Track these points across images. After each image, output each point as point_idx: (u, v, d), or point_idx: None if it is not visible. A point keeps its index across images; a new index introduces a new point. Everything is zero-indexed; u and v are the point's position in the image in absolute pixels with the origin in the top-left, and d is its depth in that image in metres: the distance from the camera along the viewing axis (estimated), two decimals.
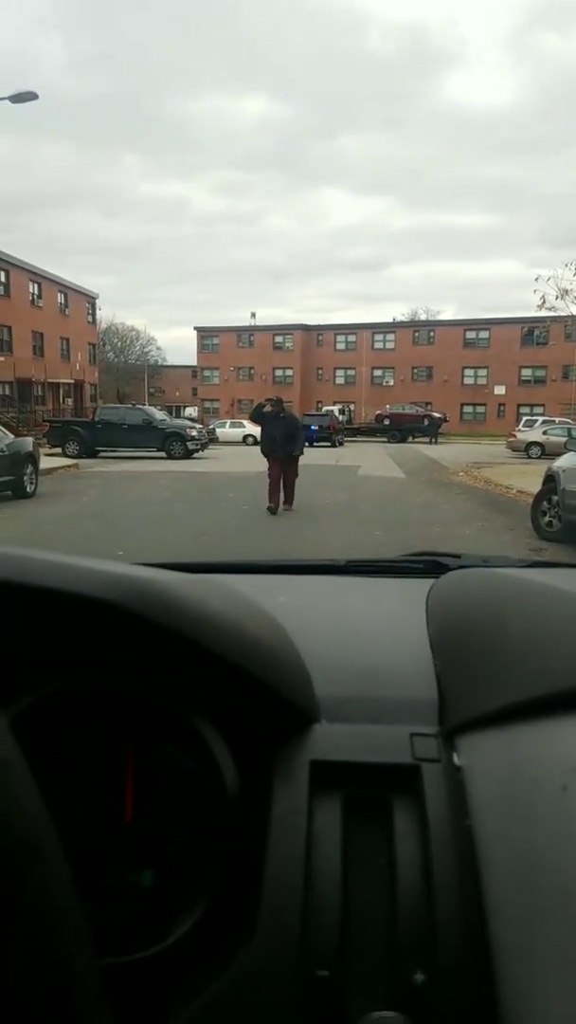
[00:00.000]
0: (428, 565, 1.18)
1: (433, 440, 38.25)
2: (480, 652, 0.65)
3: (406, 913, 0.51)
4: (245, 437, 37.23)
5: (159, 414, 25.06)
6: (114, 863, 0.57)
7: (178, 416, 40.45)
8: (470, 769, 0.57)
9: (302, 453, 10.43)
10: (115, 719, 0.59)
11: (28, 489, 11.97)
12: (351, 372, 58.78)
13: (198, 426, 25.97)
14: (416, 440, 39.02)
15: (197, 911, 0.54)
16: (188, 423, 26.69)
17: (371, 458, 24.12)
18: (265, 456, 10.22)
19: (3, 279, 36.07)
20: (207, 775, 0.57)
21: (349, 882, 0.53)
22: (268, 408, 10.19)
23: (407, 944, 0.50)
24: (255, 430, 39.30)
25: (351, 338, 59.26)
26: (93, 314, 49.70)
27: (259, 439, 10.68)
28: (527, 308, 27.50)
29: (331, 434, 34.64)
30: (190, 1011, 0.49)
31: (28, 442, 12.56)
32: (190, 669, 0.57)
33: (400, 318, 65.73)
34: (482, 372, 55.18)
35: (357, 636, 0.84)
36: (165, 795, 0.58)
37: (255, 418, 10.52)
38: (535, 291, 21.93)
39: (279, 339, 59.39)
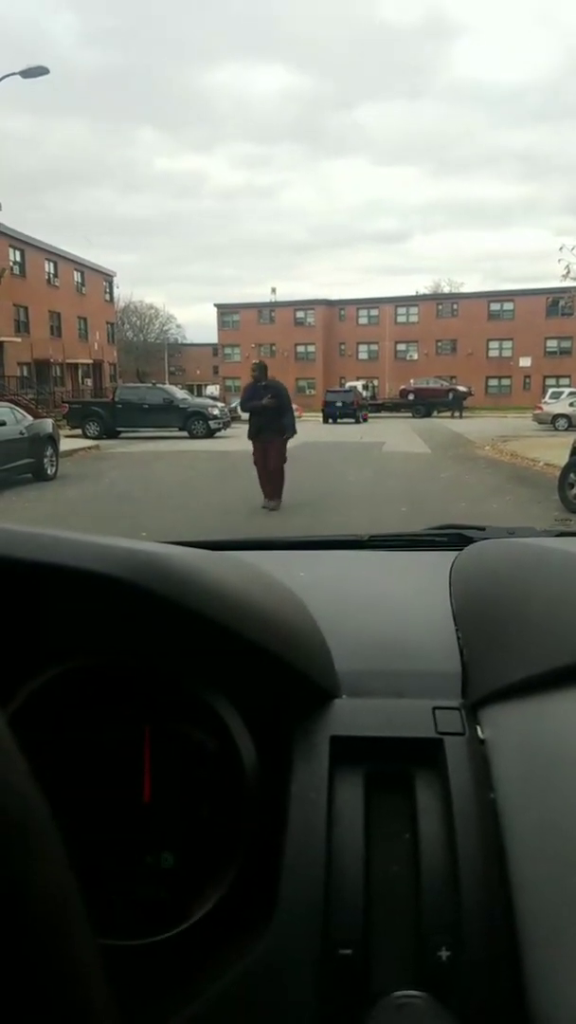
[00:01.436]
0: (452, 538, 1.15)
1: (457, 414, 37.78)
2: (503, 623, 0.65)
3: (430, 889, 0.51)
4: None
5: (180, 393, 25.00)
6: (134, 845, 0.57)
7: (199, 395, 40.29)
8: (494, 742, 0.57)
9: (294, 432, 8.52)
10: (131, 698, 0.59)
11: (49, 472, 11.96)
12: (374, 347, 58.10)
13: (220, 404, 25.88)
14: (441, 415, 38.54)
15: (218, 891, 0.53)
16: (210, 401, 26.62)
17: (396, 434, 23.84)
18: (251, 439, 8.46)
19: (18, 259, 35.87)
20: (225, 754, 0.56)
21: (372, 858, 0.53)
22: (255, 376, 8.46)
23: (431, 921, 0.50)
24: None
25: (373, 312, 58.48)
26: (111, 292, 49.52)
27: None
28: (552, 279, 26.84)
29: (355, 410, 34.36)
30: (214, 990, 0.49)
31: (48, 424, 12.53)
32: (205, 645, 0.56)
33: (423, 291, 64.85)
34: (507, 344, 54.25)
35: (379, 610, 0.82)
36: (184, 775, 0.58)
37: (244, 407, 8.70)
38: (559, 260, 21.35)
39: (300, 315, 58.79)
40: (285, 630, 0.60)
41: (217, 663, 0.58)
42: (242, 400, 8.69)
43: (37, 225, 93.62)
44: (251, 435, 8.47)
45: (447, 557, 0.91)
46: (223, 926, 0.53)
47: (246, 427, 8.65)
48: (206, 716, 0.57)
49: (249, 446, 8.55)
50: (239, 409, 8.60)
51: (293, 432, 8.52)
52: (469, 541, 1.06)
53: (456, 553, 0.91)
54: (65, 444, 14.27)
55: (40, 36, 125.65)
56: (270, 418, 8.26)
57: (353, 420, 33.76)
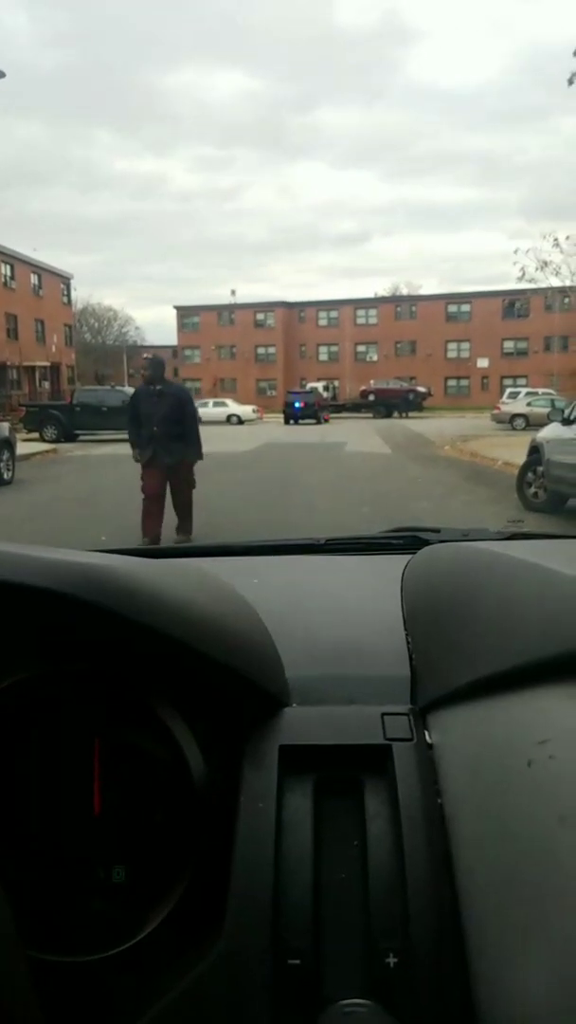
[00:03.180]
0: (408, 541, 1.17)
1: (404, 415, 38.19)
2: (452, 627, 0.65)
3: (379, 895, 0.51)
4: (229, 417, 36.99)
5: None
6: (84, 858, 0.56)
7: None
8: (441, 747, 0.57)
9: (199, 457, 6.35)
10: (79, 710, 0.58)
11: (5, 476, 11.75)
12: (334, 348, 58.43)
13: None
14: (410, 416, 38.89)
15: (169, 904, 0.53)
16: None
17: (357, 434, 23.97)
18: (144, 465, 6.21)
19: None
20: (175, 764, 0.56)
21: (321, 866, 0.53)
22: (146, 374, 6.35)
23: (380, 926, 0.50)
24: (239, 410, 39.36)
25: (333, 314, 58.82)
26: (68, 295, 48.93)
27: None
28: (509, 280, 27.38)
29: (316, 411, 34.49)
30: (164, 1003, 0.49)
31: (3, 427, 12.31)
32: (150, 655, 0.56)
33: (382, 293, 65.38)
34: (465, 345, 55.04)
35: (331, 616, 0.82)
36: (134, 787, 0.57)
37: (131, 423, 6.30)
38: (515, 263, 21.77)
39: (260, 316, 58.83)
40: (232, 638, 0.59)
41: (163, 673, 0.57)
42: (130, 414, 6.30)
43: None
44: (143, 460, 6.15)
45: (401, 561, 0.91)
46: (175, 938, 0.53)
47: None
48: (155, 726, 0.57)
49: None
50: (128, 426, 6.32)
51: (198, 457, 6.32)
52: (424, 543, 1.07)
53: (411, 556, 0.91)
54: (22, 448, 14.01)
55: None
56: (168, 434, 6.06)
57: (314, 421, 33.88)
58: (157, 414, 6.05)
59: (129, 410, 6.35)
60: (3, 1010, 0.24)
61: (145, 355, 6.68)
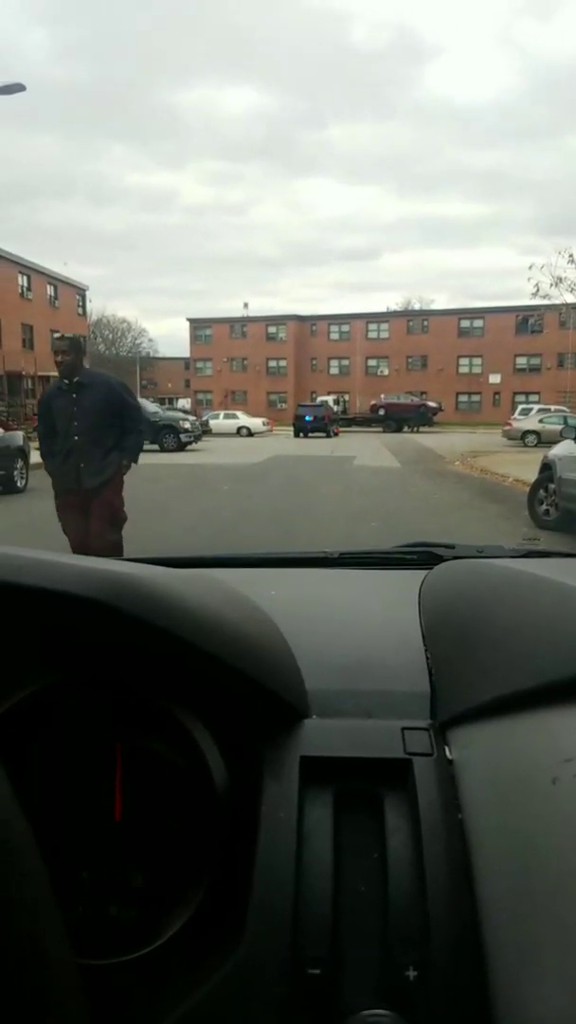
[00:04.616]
0: (422, 556, 1.16)
1: (414, 429, 38.17)
2: (472, 644, 0.66)
3: (398, 909, 0.51)
4: (239, 429, 37.11)
5: (152, 406, 24.88)
6: (105, 863, 0.57)
7: (171, 408, 40.19)
8: (462, 762, 0.57)
9: (133, 460, 4.63)
10: (102, 716, 0.59)
11: (19, 484, 11.82)
12: (345, 362, 58.57)
13: (191, 418, 25.85)
14: (420, 431, 38.90)
15: (188, 910, 0.54)
16: (181, 415, 26.54)
17: (366, 448, 23.98)
18: (59, 491, 4.64)
19: None
20: (196, 773, 0.56)
21: (341, 878, 0.53)
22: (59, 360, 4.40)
23: (399, 940, 0.50)
24: (249, 422, 39.52)
25: (344, 328, 59.00)
26: (83, 306, 49.33)
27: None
28: (520, 296, 27.39)
29: (326, 424, 34.55)
30: (181, 1011, 0.49)
31: (18, 436, 12.41)
32: (176, 664, 0.56)
33: (394, 307, 65.56)
34: (477, 361, 55.04)
35: (349, 630, 0.82)
36: (155, 794, 0.58)
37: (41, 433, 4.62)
38: (529, 279, 21.80)
39: (272, 329, 59.09)
40: (256, 649, 0.60)
41: (188, 682, 0.58)
42: (40, 423, 4.63)
43: (7, 237, 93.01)
44: (59, 485, 4.60)
45: (417, 576, 0.91)
46: (193, 945, 0.53)
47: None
48: (177, 735, 0.57)
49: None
50: (40, 441, 4.65)
51: (132, 459, 4.63)
52: (438, 559, 1.07)
53: (425, 572, 0.92)
54: (36, 457, 14.09)
55: (11, 53, 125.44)
56: (94, 444, 4.41)
57: (324, 434, 33.92)
58: (78, 417, 4.37)
59: (39, 417, 4.66)
60: (58, 1015, 0.25)
61: (56, 335, 4.75)
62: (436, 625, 0.75)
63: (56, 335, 4.74)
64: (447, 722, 0.61)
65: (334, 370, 59.16)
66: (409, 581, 0.91)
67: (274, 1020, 0.48)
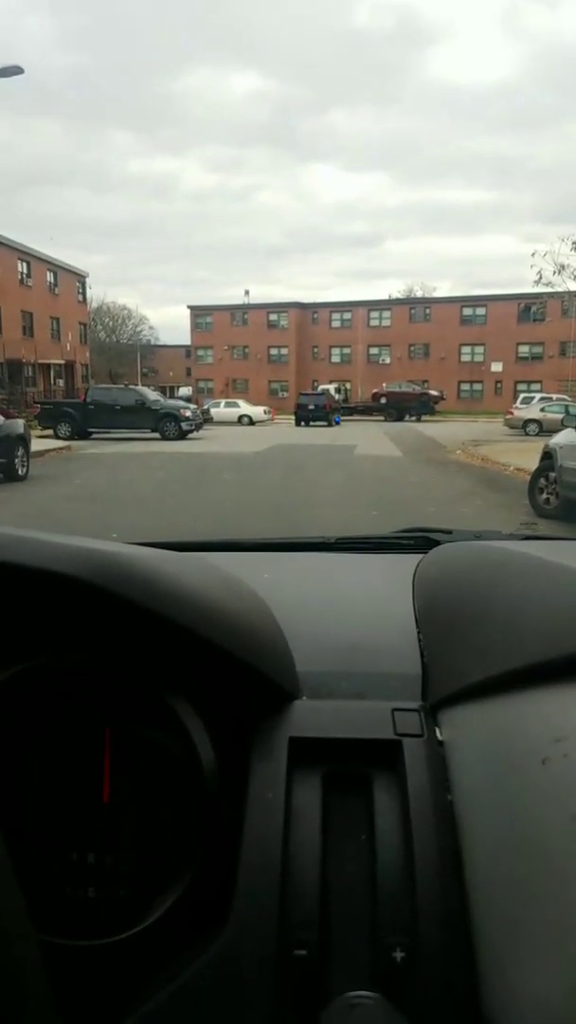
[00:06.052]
0: (419, 541, 1.16)
1: (416, 418, 38.07)
2: (463, 625, 0.65)
3: (386, 889, 0.51)
4: (240, 417, 37.06)
5: (152, 394, 24.85)
6: (92, 845, 0.57)
7: (172, 396, 40.15)
8: (452, 743, 0.57)
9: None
10: (91, 699, 0.59)
11: (20, 472, 11.81)
12: (347, 350, 58.31)
13: (192, 406, 25.79)
14: (422, 419, 38.82)
15: (176, 892, 0.53)
16: (182, 403, 26.49)
17: (367, 437, 23.92)
18: None
19: None
20: (185, 756, 0.56)
21: (328, 859, 0.53)
22: None
23: (387, 920, 0.50)
24: (251, 411, 39.46)
25: (346, 316, 58.69)
26: (84, 293, 49.08)
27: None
28: (522, 284, 27.24)
29: (327, 413, 34.46)
30: (167, 992, 0.49)
31: (19, 424, 12.38)
32: (165, 646, 0.56)
33: (396, 295, 65.26)
34: (479, 349, 54.78)
35: (342, 612, 0.83)
36: (143, 776, 0.58)
37: None
38: (531, 267, 21.67)
39: (273, 317, 58.78)
40: (246, 632, 0.60)
41: (177, 664, 0.58)
42: None
43: (8, 224, 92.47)
44: None
45: (413, 560, 0.91)
46: (180, 926, 0.53)
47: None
48: (166, 717, 0.57)
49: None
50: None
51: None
52: (435, 544, 1.06)
53: (421, 556, 0.92)
54: (36, 444, 14.10)
55: (12, 39, 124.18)
56: None
57: (325, 423, 33.83)
58: None
59: None
60: (16, 998, 0.25)
61: None
62: (429, 606, 0.75)
63: None
64: (438, 703, 0.61)
65: (336, 358, 58.90)
66: (405, 565, 0.91)
67: (260, 1001, 0.48)
